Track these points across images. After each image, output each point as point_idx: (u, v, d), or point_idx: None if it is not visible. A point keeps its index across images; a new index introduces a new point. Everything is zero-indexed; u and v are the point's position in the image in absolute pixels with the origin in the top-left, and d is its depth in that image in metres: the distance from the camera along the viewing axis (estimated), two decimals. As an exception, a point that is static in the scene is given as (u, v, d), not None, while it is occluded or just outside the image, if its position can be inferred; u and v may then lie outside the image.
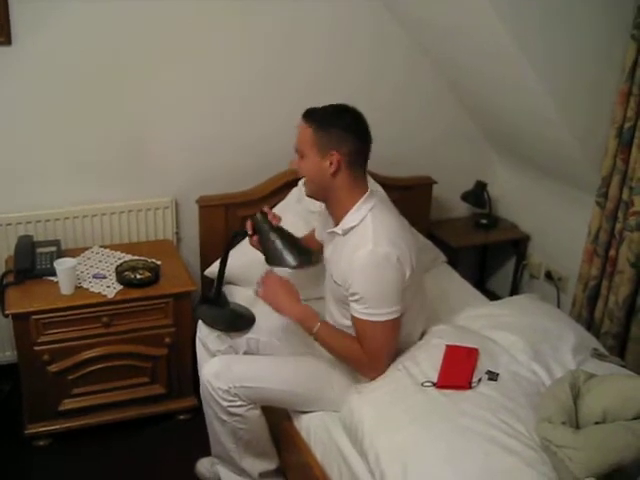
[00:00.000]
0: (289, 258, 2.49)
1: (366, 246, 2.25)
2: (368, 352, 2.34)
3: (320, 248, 2.64)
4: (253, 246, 2.61)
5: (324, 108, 2.36)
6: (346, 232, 2.35)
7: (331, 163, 2.30)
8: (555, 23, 2.76)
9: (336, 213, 2.41)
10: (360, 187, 2.38)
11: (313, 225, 2.92)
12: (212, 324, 2.69)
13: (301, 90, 3.33)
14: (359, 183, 2.38)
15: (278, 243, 2.50)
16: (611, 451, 1.98)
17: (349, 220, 2.35)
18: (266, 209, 2.57)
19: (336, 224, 2.42)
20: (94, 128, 3.13)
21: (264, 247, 2.53)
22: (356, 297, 2.29)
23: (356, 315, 2.32)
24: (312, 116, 2.34)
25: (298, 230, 2.95)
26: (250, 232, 2.56)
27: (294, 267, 2.51)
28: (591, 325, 3.25)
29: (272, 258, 2.52)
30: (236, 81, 3.27)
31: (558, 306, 3.60)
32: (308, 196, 2.47)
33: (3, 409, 3.14)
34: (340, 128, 2.31)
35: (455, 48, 3.31)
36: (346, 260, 2.30)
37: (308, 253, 2.57)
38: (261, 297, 2.51)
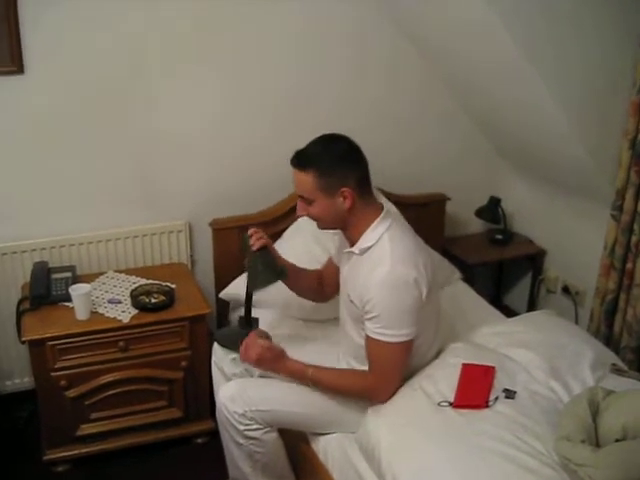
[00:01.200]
0: (251, 283, 2.57)
1: (383, 266, 2.24)
2: (379, 374, 2.33)
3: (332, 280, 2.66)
4: (249, 340, 2.56)
5: (313, 147, 2.33)
6: (363, 252, 2.34)
7: (345, 198, 2.28)
8: (565, 38, 2.77)
9: (352, 235, 2.40)
10: (374, 208, 2.37)
11: (326, 244, 2.92)
12: (229, 346, 2.67)
13: (315, 115, 3.33)
14: (372, 204, 2.38)
15: (249, 267, 2.56)
16: (632, 468, 1.95)
17: (366, 240, 2.34)
18: (251, 231, 2.55)
19: (351, 244, 2.41)
20: (107, 153, 3.15)
21: (249, 272, 2.58)
22: (371, 315, 2.27)
23: (370, 335, 2.30)
24: (306, 161, 2.29)
25: (310, 249, 2.96)
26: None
27: (254, 290, 2.59)
28: (610, 339, 3.22)
29: (254, 283, 2.58)
30: (250, 102, 3.28)
31: (576, 321, 3.58)
32: (323, 229, 2.46)
33: (22, 435, 3.14)
34: (340, 163, 2.28)
35: (465, 66, 3.32)
36: (363, 279, 2.29)
37: (277, 276, 2.56)
38: (244, 361, 2.51)
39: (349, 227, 2.38)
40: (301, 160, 2.31)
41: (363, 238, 2.35)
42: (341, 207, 2.30)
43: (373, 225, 2.34)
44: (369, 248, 2.32)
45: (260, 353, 2.43)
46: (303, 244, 3.07)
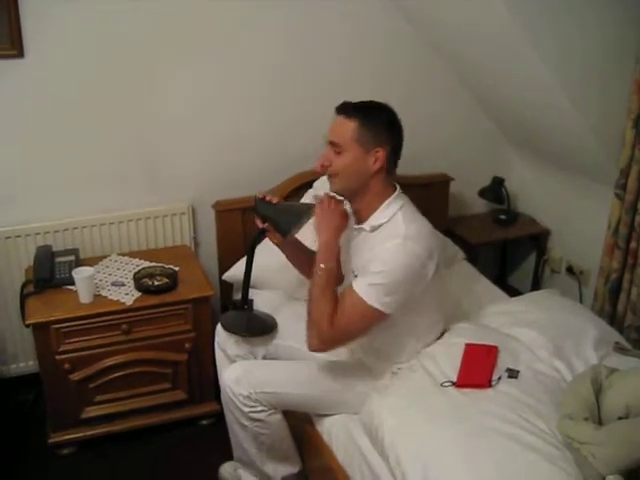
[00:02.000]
0: (303, 207, 2.53)
1: (397, 239, 2.24)
2: (339, 321, 2.27)
3: None
4: (269, 235, 2.52)
5: (364, 103, 2.33)
6: (374, 229, 2.34)
7: (376, 160, 2.28)
8: (566, 14, 2.74)
9: (362, 211, 2.38)
10: (391, 185, 2.38)
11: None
12: (232, 329, 2.67)
13: (314, 93, 3.33)
14: (391, 182, 2.38)
15: (286, 205, 2.56)
16: (635, 446, 1.94)
17: (378, 217, 2.33)
18: (259, 194, 2.52)
19: (359, 221, 2.40)
20: (109, 136, 3.15)
21: (277, 219, 2.47)
22: (372, 271, 2.23)
23: (356, 287, 2.26)
24: (354, 110, 2.29)
25: (313, 233, 2.95)
26: (260, 224, 2.51)
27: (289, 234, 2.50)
28: (614, 319, 3.21)
29: (289, 221, 2.47)
30: (250, 84, 3.27)
31: (580, 300, 3.57)
32: (336, 191, 2.40)
33: (28, 418, 3.16)
34: (384, 124, 2.29)
35: (466, 44, 3.29)
36: (372, 253, 2.28)
37: (308, 211, 2.51)
38: (317, 211, 2.43)
39: (361, 198, 2.35)
40: (349, 107, 2.31)
41: (375, 216, 2.34)
42: (369, 167, 2.28)
43: (386, 203, 2.33)
44: (381, 225, 2.32)
45: (327, 208, 2.39)
46: (306, 225, 3.06)
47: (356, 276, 2.35)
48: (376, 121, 2.28)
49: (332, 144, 2.31)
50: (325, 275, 2.31)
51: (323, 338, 2.30)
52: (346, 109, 2.30)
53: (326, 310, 2.28)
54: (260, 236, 2.58)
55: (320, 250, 2.36)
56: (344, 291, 2.31)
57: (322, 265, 2.32)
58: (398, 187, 2.40)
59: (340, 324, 2.27)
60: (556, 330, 2.59)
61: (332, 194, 2.42)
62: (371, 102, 2.35)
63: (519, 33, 2.78)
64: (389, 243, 2.24)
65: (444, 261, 3.26)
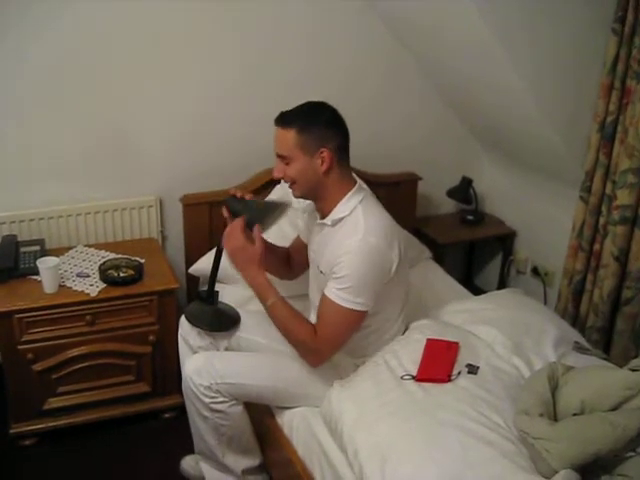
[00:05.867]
0: (275, 205, 2.54)
1: (357, 234, 2.26)
2: (322, 333, 2.31)
3: (300, 258, 2.68)
4: (233, 229, 2.45)
5: (298, 108, 2.35)
6: (335, 223, 2.36)
7: (322, 161, 2.30)
8: (536, 18, 2.77)
9: (325, 207, 2.41)
10: (349, 179, 2.40)
11: (296, 223, 2.92)
12: (196, 323, 2.67)
13: (285, 88, 3.32)
14: (347, 175, 2.40)
15: (258, 202, 2.54)
16: (588, 442, 1.97)
17: (339, 211, 2.35)
18: (233, 190, 2.52)
19: (322, 216, 2.42)
20: (77, 127, 3.13)
21: (249, 216, 2.44)
22: (336, 276, 2.27)
23: (327, 293, 2.30)
24: (289, 118, 2.32)
25: (280, 227, 2.96)
26: (226, 214, 2.48)
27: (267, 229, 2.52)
28: (577, 319, 3.26)
29: (260, 218, 2.46)
30: (219, 79, 3.28)
31: (545, 301, 3.62)
32: (298, 197, 2.44)
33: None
34: (322, 125, 2.31)
35: (436, 45, 3.32)
36: (334, 248, 2.30)
37: (282, 207, 2.55)
38: (224, 248, 2.44)
39: (323, 197, 2.39)
40: (285, 118, 2.33)
41: (336, 210, 2.36)
42: (318, 169, 2.31)
43: (346, 197, 2.36)
44: (341, 219, 2.34)
45: (236, 247, 2.37)
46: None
47: (322, 272, 2.37)
48: (313, 124, 2.30)
49: (279, 156, 2.36)
50: (277, 307, 2.37)
51: (314, 352, 2.36)
52: (282, 120, 2.33)
53: (300, 330, 2.34)
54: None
55: (256, 291, 2.40)
56: (321, 301, 2.34)
57: (269, 302, 2.37)
58: (358, 180, 2.43)
59: (327, 333, 2.32)
60: (516, 328, 2.62)
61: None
62: (307, 104, 2.37)
63: (488, 35, 2.81)
64: (349, 240, 2.26)
65: (409, 260, 3.30)
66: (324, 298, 2.32)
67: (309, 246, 2.56)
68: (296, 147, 2.30)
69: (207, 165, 3.36)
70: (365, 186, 2.62)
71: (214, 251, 2.60)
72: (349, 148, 2.39)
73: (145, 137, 3.25)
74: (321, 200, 2.41)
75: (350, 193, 2.36)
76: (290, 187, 2.41)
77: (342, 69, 3.48)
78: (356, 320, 2.33)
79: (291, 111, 2.34)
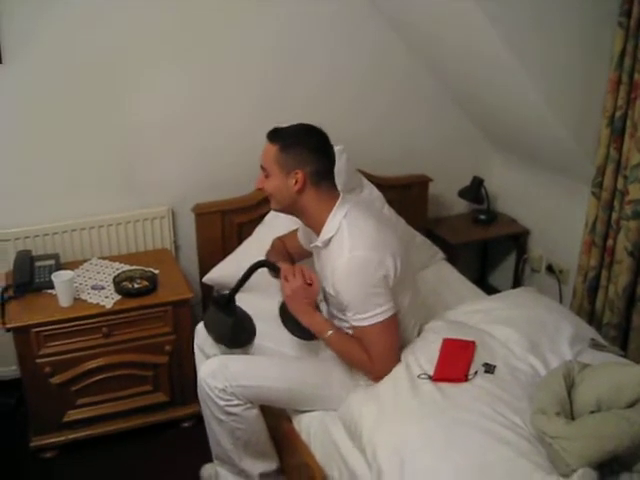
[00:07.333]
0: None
1: (342, 257, 2.28)
2: (374, 356, 2.36)
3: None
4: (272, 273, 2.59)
5: (290, 127, 2.40)
6: (326, 244, 2.37)
7: (296, 181, 2.33)
8: (543, 17, 2.77)
9: (314, 226, 2.43)
10: (329, 198, 2.39)
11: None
12: (217, 339, 2.66)
13: (298, 97, 3.35)
14: (327, 195, 2.39)
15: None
16: (605, 440, 1.97)
17: (327, 231, 2.37)
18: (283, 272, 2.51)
19: (318, 235, 2.43)
20: (88, 141, 3.16)
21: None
22: (344, 306, 2.32)
23: (352, 323, 2.35)
24: (277, 135, 2.37)
25: (288, 229, 2.96)
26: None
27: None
28: (593, 316, 3.24)
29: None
30: (231, 88, 3.29)
31: (560, 299, 3.60)
32: (275, 210, 2.50)
33: (10, 422, 3.16)
34: (305, 148, 2.34)
35: (447, 51, 3.34)
36: (330, 270, 2.33)
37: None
38: (283, 292, 2.48)
39: (302, 214, 2.42)
40: (274, 133, 2.39)
41: (324, 230, 2.38)
42: (291, 188, 2.34)
43: (332, 214, 2.37)
44: (330, 239, 2.36)
45: (297, 288, 2.40)
46: (285, 228, 3.07)
47: (330, 294, 2.40)
48: (296, 145, 2.34)
49: (261, 168, 2.41)
50: (334, 337, 2.41)
51: (375, 372, 2.41)
52: (272, 134, 2.39)
53: (358, 357, 2.40)
54: (264, 266, 2.59)
55: (313, 328, 2.44)
56: (356, 336, 2.39)
57: (326, 335, 2.41)
58: (341, 194, 2.43)
59: (378, 353, 2.37)
60: (532, 327, 2.60)
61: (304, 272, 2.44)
62: (301, 126, 2.40)
63: (498, 38, 2.82)
64: (337, 262, 2.29)
65: (423, 261, 3.30)
66: (354, 329, 2.37)
67: (315, 267, 2.57)
68: (275, 163, 2.35)
69: (219, 175, 3.37)
70: (350, 195, 2.61)
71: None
72: (333, 175, 2.41)
73: (156, 149, 3.27)
74: (304, 217, 2.45)
75: (333, 211, 2.37)
76: (269, 199, 2.47)
77: (356, 77, 3.49)
78: (391, 324, 2.35)
79: (283, 128, 2.40)
